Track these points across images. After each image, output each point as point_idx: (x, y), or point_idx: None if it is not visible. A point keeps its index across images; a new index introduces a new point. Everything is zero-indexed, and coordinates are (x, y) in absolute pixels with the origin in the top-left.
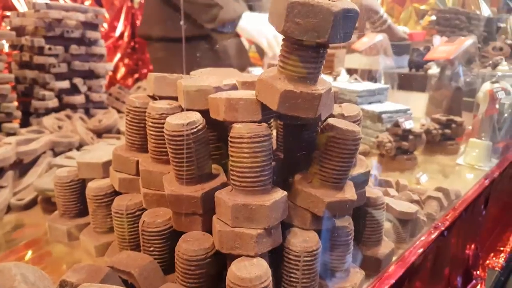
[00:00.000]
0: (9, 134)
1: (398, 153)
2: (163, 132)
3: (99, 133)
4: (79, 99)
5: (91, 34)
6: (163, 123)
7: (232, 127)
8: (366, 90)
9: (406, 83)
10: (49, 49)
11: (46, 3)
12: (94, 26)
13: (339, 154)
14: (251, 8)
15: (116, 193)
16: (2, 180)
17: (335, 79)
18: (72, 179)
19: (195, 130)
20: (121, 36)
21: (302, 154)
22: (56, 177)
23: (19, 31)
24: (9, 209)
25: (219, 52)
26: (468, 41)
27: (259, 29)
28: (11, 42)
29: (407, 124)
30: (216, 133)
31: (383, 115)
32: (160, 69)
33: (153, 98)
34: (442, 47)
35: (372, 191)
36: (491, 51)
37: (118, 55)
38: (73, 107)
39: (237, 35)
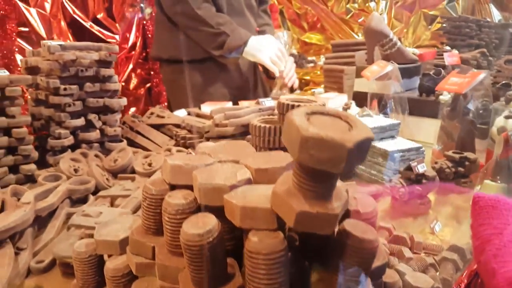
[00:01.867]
0: (26, 176)
1: (411, 196)
2: (179, 227)
3: (115, 173)
4: (94, 135)
5: (104, 72)
6: (179, 219)
7: (248, 239)
8: (377, 127)
9: (416, 108)
10: (65, 89)
11: (60, 45)
12: (107, 64)
13: (356, 262)
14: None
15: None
16: (21, 242)
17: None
18: (90, 254)
19: (211, 239)
20: (133, 46)
21: (318, 244)
22: (74, 252)
23: (34, 69)
24: (29, 271)
25: (231, 71)
26: (481, 76)
27: (260, 51)
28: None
29: (420, 168)
30: (232, 225)
31: (395, 155)
32: (172, 90)
33: (170, 185)
34: (454, 79)
35: (389, 273)
36: (504, 65)
37: (131, 66)
38: (89, 142)
39: None
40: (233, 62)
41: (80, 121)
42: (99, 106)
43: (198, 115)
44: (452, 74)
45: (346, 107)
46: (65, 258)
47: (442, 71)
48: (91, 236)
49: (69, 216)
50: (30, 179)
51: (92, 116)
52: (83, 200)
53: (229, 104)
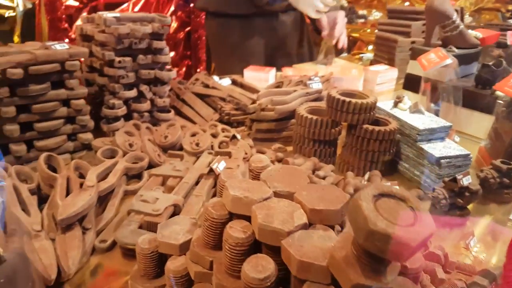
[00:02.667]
0: (83, 144)
1: (451, 208)
2: (238, 255)
3: (165, 149)
4: (145, 106)
5: (157, 44)
6: (238, 250)
7: None
8: (427, 129)
9: (470, 100)
10: (119, 62)
11: (115, 17)
12: (159, 36)
13: None
14: None
15: None
16: (86, 221)
17: (395, 105)
18: (153, 251)
19: (269, 284)
20: None
21: None
22: (138, 247)
23: (89, 37)
24: (93, 250)
25: (277, 28)
26: None
27: (299, 1)
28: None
29: (465, 181)
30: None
31: (442, 160)
32: (215, 44)
33: (230, 212)
34: None
35: None
36: None
37: (172, 8)
38: (139, 112)
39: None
40: (279, 9)
41: (133, 93)
42: (150, 78)
43: (242, 86)
44: None
45: (398, 100)
46: (126, 245)
47: (504, 62)
48: (150, 223)
49: (126, 193)
50: (86, 147)
51: (144, 88)
52: (138, 176)
53: (273, 71)
